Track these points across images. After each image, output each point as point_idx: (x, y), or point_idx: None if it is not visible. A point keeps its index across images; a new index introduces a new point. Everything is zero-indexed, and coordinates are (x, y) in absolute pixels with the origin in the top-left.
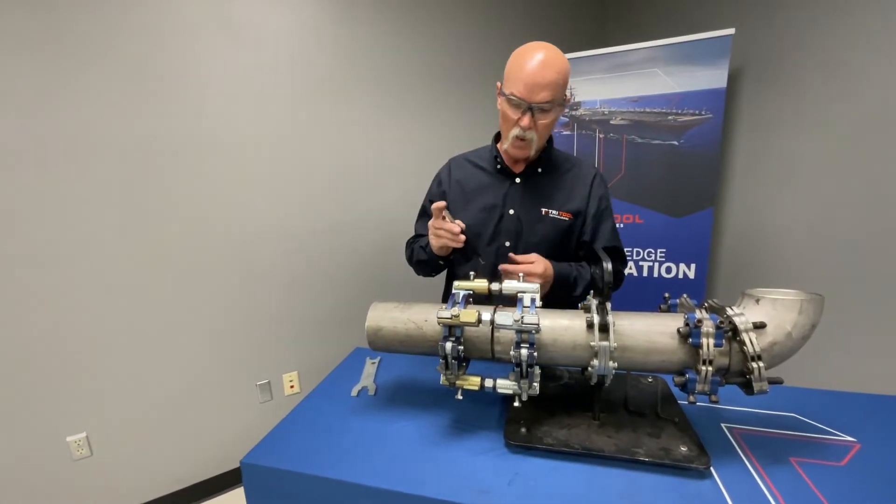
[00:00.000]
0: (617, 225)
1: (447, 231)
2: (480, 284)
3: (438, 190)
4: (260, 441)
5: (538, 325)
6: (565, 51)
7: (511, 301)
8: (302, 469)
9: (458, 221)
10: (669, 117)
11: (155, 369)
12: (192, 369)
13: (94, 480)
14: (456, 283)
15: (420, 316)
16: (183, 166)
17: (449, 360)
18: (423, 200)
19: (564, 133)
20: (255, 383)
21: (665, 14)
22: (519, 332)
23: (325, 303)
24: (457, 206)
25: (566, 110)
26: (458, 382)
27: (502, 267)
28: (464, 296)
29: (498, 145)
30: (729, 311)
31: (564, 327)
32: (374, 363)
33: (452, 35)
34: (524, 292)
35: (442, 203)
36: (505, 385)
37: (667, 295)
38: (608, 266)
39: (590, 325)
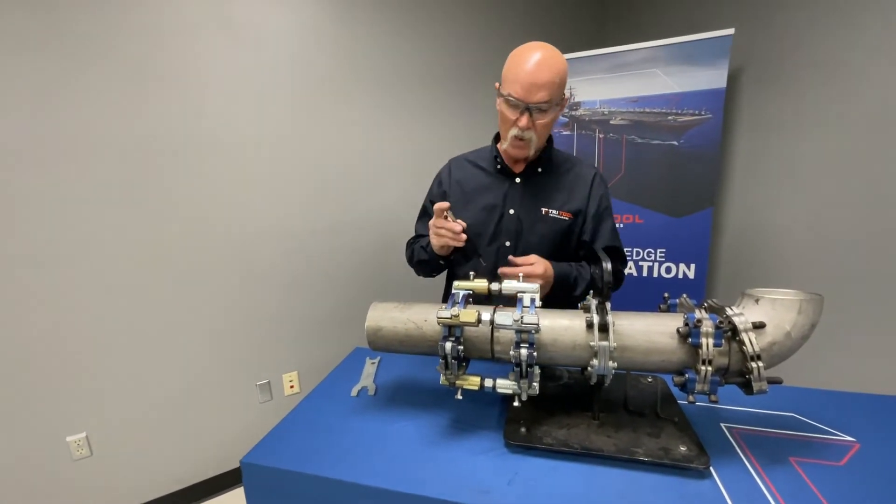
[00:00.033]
0: (617, 225)
1: (448, 230)
2: (480, 284)
3: (439, 190)
4: (260, 441)
5: (538, 324)
6: (565, 51)
7: (511, 301)
8: (302, 469)
9: (459, 221)
10: (669, 117)
11: (155, 369)
12: (192, 369)
13: (94, 480)
14: (456, 283)
15: (420, 316)
16: (183, 166)
17: (449, 359)
18: (423, 201)
19: (564, 133)
20: (255, 383)
21: (665, 14)
22: (519, 331)
23: (325, 303)
24: (457, 206)
25: (566, 110)
26: (457, 382)
27: (502, 270)
28: (463, 296)
29: (498, 145)
30: (728, 311)
31: (564, 327)
32: (373, 363)
33: (452, 35)
34: (524, 292)
35: (445, 203)
36: (505, 385)
37: (666, 295)
38: (608, 266)
39: (589, 325)
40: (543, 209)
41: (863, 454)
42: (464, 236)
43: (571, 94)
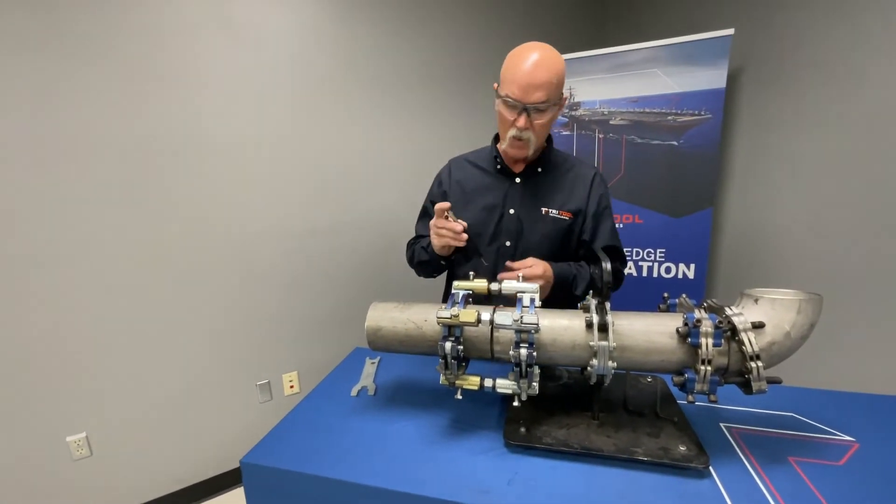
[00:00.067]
0: (616, 225)
1: (449, 230)
2: (480, 284)
3: (439, 190)
4: (260, 441)
5: (537, 324)
6: (565, 51)
7: (510, 301)
8: (302, 469)
9: (460, 220)
10: (669, 117)
11: (155, 369)
12: (192, 369)
13: (94, 480)
14: (455, 283)
15: (419, 316)
16: (183, 166)
17: (448, 359)
18: (423, 201)
19: (564, 133)
20: (255, 383)
21: (665, 14)
22: (518, 331)
23: (325, 303)
24: (457, 206)
25: (566, 110)
26: (457, 382)
27: (501, 276)
28: (463, 296)
29: (497, 146)
30: (728, 311)
31: (564, 327)
32: (373, 363)
33: (452, 35)
34: (523, 292)
35: (446, 203)
36: (504, 385)
37: (666, 295)
38: (607, 266)
39: (589, 325)
40: (543, 209)
41: (862, 454)
42: (465, 236)
43: (571, 94)
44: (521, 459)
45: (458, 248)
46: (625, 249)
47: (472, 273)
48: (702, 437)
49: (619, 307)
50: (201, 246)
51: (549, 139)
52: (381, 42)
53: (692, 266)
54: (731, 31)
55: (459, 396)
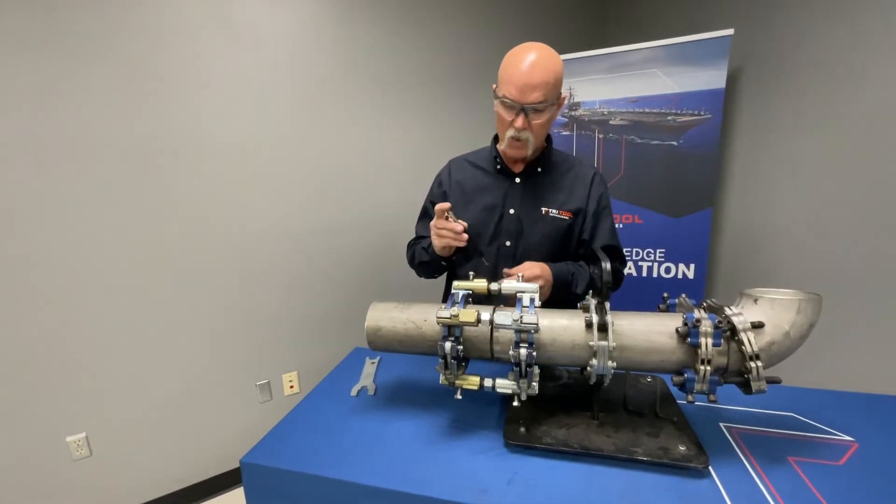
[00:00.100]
0: (616, 225)
1: (450, 230)
2: (480, 284)
3: (439, 191)
4: (260, 441)
5: (537, 324)
6: (565, 51)
7: (510, 301)
8: (301, 469)
9: (460, 221)
10: (669, 118)
11: (155, 369)
12: (192, 369)
13: (94, 481)
14: (455, 283)
15: (419, 316)
16: (183, 166)
17: (448, 359)
18: (423, 202)
19: (564, 133)
20: (255, 383)
21: (664, 14)
22: (518, 331)
23: (325, 303)
24: (457, 206)
25: (565, 110)
26: (457, 382)
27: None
28: (463, 296)
29: (497, 146)
30: (727, 311)
31: (563, 327)
32: (373, 363)
33: (452, 35)
34: (523, 292)
35: (446, 204)
36: (504, 385)
37: (665, 295)
38: (607, 266)
39: (588, 325)
40: (543, 209)
41: (862, 454)
42: (465, 236)
43: (571, 95)
44: (520, 459)
45: (458, 249)
46: (625, 249)
47: (471, 273)
48: (701, 436)
49: (619, 307)
50: (201, 246)
51: (548, 139)
52: (381, 42)
53: (692, 266)
54: (730, 32)
55: (459, 396)
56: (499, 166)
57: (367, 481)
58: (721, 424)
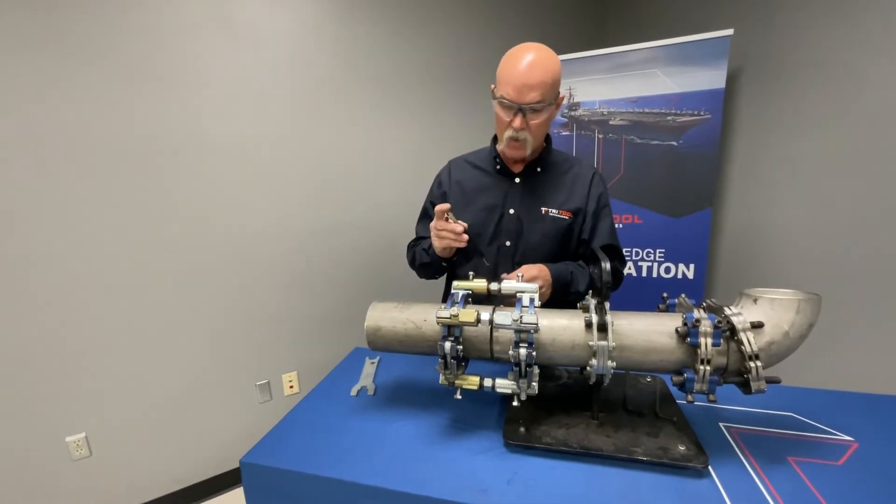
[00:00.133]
0: (616, 225)
1: (450, 231)
2: (479, 284)
3: (439, 191)
4: (259, 441)
5: (537, 324)
6: (565, 51)
7: (510, 301)
8: (301, 468)
9: (460, 221)
10: (668, 118)
11: (155, 369)
12: (192, 369)
13: (94, 481)
14: (455, 283)
15: (419, 316)
16: (183, 166)
17: (448, 359)
18: (423, 202)
19: (564, 133)
20: (255, 383)
21: (664, 14)
22: (518, 331)
23: (325, 303)
24: (457, 206)
25: (565, 110)
26: (457, 382)
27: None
28: (463, 296)
29: (497, 146)
30: (727, 311)
31: (563, 327)
32: (373, 363)
33: (452, 35)
34: (523, 292)
35: (446, 205)
36: (504, 384)
37: (665, 295)
38: (606, 266)
39: (588, 325)
40: (543, 209)
41: (861, 454)
42: (466, 237)
43: (571, 95)
44: (520, 459)
45: (458, 249)
46: (624, 250)
47: (471, 273)
48: (701, 436)
49: (619, 307)
50: (201, 246)
51: (547, 139)
52: (381, 42)
53: (691, 266)
54: (730, 32)
55: (459, 396)
56: (498, 166)
57: (367, 481)
58: (721, 424)
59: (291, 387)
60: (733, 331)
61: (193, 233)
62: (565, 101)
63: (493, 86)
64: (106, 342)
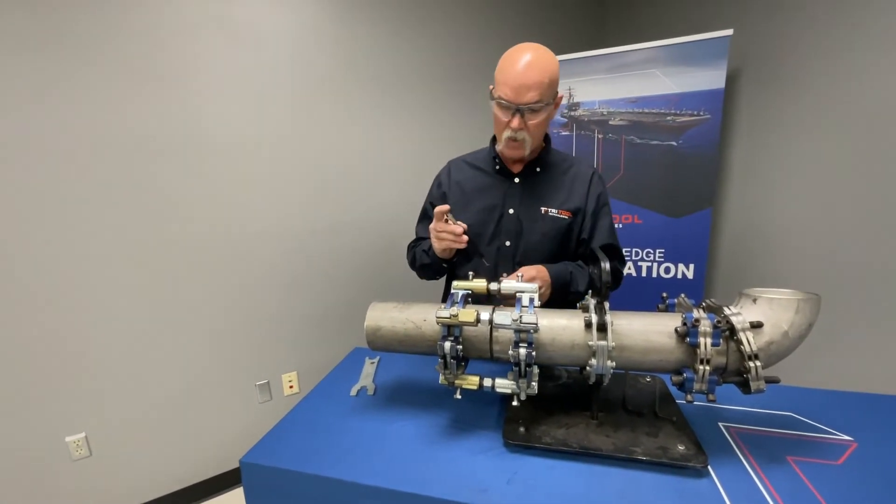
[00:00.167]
0: (616, 225)
1: (450, 233)
2: (479, 284)
3: (439, 192)
4: (259, 441)
5: (536, 324)
6: (564, 51)
7: (510, 301)
8: (301, 468)
9: (459, 222)
10: (668, 118)
11: (155, 369)
12: (192, 369)
13: (93, 481)
14: (455, 283)
15: (419, 316)
16: (183, 166)
17: (448, 359)
18: (423, 203)
19: (563, 133)
20: (255, 383)
21: (664, 15)
22: (517, 331)
23: (325, 303)
24: (457, 207)
25: (565, 111)
26: (456, 382)
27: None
28: (462, 296)
29: (496, 146)
30: (726, 311)
31: (563, 327)
32: (373, 363)
33: (452, 35)
34: (523, 292)
35: (445, 206)
36: (503, 384)
37: (665, 294)
38: (606, 265)
39: (588, 325)
40: (543, 208)
41: (860, 453)
42: (465, 238)
43: (570, 95)
44: (520, 459)
45: (458, 250)
46: (624, 250)
47: (471, 273)
48: (700, 436)
49: (618, 307)
50: (201, 246)
51: (547, 139)
52: (381, 42)
53: (691, 266)
54: (730, 32)
55: (459, 396)
56: (498, 167)
57: (367, 481)
58: (720, 424)
59: (291, 387)
60: (732, 331)
61: (193, 233)
62: (565, 101)
63: (491, 86)
64: (106, 342)
